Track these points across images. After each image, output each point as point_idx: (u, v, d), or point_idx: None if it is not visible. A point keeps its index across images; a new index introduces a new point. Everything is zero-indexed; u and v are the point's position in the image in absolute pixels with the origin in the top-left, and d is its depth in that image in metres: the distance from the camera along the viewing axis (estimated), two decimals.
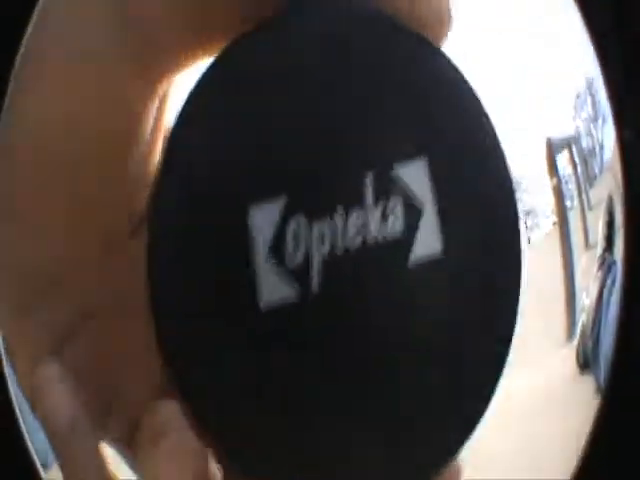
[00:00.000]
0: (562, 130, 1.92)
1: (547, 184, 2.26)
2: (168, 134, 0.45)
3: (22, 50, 0.51)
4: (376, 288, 0.43)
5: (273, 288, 0.40)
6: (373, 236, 0.42)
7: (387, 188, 0.41)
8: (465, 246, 0.45)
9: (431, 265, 0.45)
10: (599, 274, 1.07)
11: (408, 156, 0.43)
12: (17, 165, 0.50)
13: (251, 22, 0.42)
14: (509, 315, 0.48)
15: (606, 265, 1.07)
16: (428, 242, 0.44)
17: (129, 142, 0.45)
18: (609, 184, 0.86)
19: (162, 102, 0.49)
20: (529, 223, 2.34)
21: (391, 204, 0.43)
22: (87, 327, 0.51)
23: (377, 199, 0.42)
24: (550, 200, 2.27)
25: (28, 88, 0.47)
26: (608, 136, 0.86)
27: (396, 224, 0.43)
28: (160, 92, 0.48)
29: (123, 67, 0.44)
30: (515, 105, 1.97)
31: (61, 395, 0.50)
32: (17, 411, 0.65)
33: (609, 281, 0.99)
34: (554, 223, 2.16)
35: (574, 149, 1.71)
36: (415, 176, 0.43)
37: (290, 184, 0.40)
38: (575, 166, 1.70)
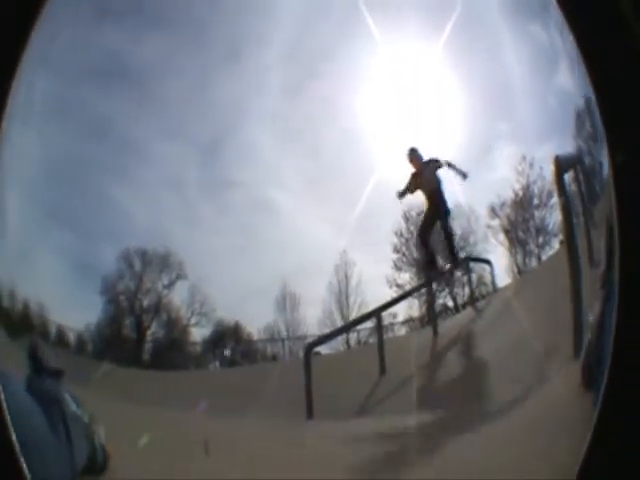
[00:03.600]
0: (567, 148, 2.00)
1: (555, 202, 2.34)
2: None
3: None
4: None
5: None
6: None
7: None
8: None
9: None
10: (601, 292, 1.13)
11: None
12: None
13: None
14: None
15: (607, 284, 1.13)
16: None
17: None
18: (609, 202, 0.92)
19: None
20: (539, 241, 2.43)
21: None
22: None
23: None
24: (557, 218, 2.35)
25: None
26: (605, 155, 0.92)
27: None
28: None
29: None
30: (522, 123, 2.04)
31: None
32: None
33: (610, 300, 1.05)
34: (561, 242, 2.25)
35: (578, 167, 1.79)
36: None
37: None
38: (579, 184, 1.78)
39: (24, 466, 0.86)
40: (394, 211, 3.04)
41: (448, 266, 3.22)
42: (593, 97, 0.85)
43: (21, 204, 2.24)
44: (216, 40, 2.53)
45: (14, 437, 0.95)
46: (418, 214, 3.16)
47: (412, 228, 3.17)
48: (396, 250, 3.16)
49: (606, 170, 0.90)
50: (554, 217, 2.54)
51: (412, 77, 2.38)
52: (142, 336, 2.97)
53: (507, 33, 2.19)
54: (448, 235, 3.19)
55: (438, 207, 3.13)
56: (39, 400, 1.58)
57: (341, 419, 2.67)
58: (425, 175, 3.03)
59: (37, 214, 2.41)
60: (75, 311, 2.58)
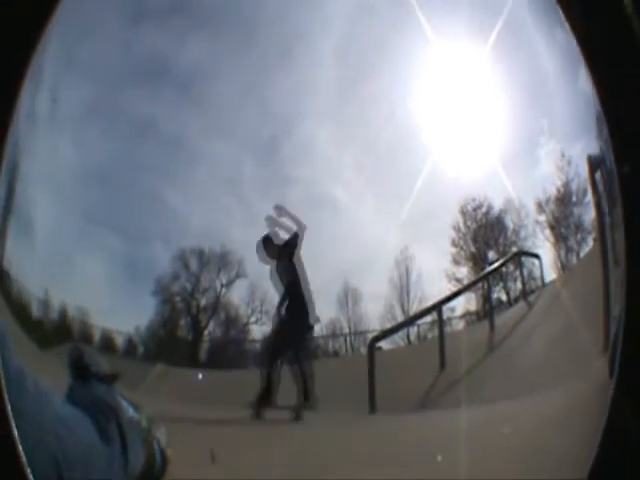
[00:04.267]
0: (593, 148, 2.04)
1: (589, 200, 2.36)
2: None
3: None
4: None
5: None
6: None
7: None
8: None
9: None
10: (623, 288, 1.17)
11: None
12: None
13: None
14: None
15: (626, 281, 1.17)
16: None
17: None
18: (623, 204, 0.95)
19: None
20: (578, 237, 2.47)
21: None
22: None
23: None
24: (590, 215, 2.37)
25: None
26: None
27: None
28: None
29: None
30: (559, 121, 2.09)
31: None
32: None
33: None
34: (594, 239, 2.29)
35: (603, 168, 1.83)
36: None
37: None
38: (605, 185, 1.82)
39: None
40: (451, 205, 3.05)
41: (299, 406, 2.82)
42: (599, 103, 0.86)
43: (63, 211, 2.29)
44: (266, 38, 2.57)
45: (20, 449, 0.99)
46: (474, 209, 3.16)
47: (469, 223, 3.17)
48: (454, 244, 3.17)
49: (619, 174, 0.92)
50: (588, 215, 2.56)
51: (463, 74, 2.40)
52: (199, 336, 2.99)
53: (539, 38, 2.21)
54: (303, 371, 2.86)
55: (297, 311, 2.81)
56: (88, 410, 1.57)
57: (404, 413, 2.70)
58: (283, 264, 2.82)
59: (84, 221, 2.46)
60: (124, 314, 2.62)
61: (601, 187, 1.95)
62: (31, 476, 0.93)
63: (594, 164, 1.93)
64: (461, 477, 1.85)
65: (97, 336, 2.52)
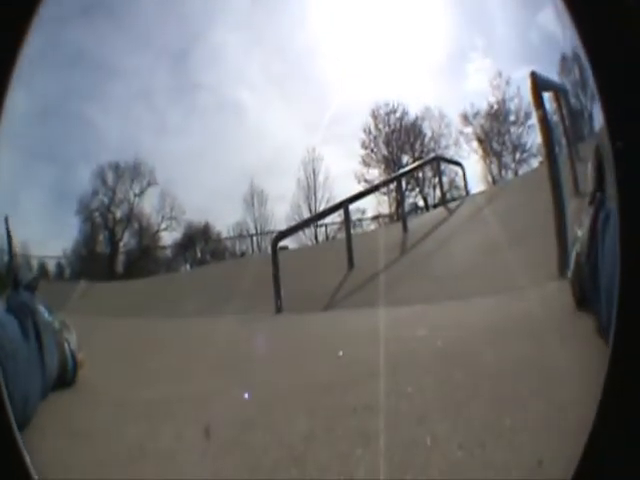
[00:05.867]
0: (548, 75, 2.08)
1: (533, 123, 2.45)
2: None
3: None
4: None
5: None
6: None
7: None
8: None
9: None
10: (590, 209, 1.20)
11: None
12: None
13: None
14: None
15: (598, 200, 1.20)
16: None
17: None
18: (597, 146, 0.99)
19: None
20: (516, 156, 2.58)
21: None
22: None
23: None
24: (536, 139, 2.46)
25: None
26: (598, 110, 0.98)
27: None
28: None
29: None
30: (499, 43, 2.16)
31: None
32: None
33: (602, 214, 1.12)
34: (541, 162, 2.37)
35: (562, 101, 1.89)
36: None
37: None
38: (563, 118, 1.88)
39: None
40: (362, 108, 3.07)
41: None
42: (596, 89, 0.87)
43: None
44: None
45: None
46: (387, 113, 3.19)
47: (381, 126, 3.20)
48: (364, 146, 3.20)
49: (596, 121, 0.94)
50: (532, 137, 2.65)
51: None
52: (115, 249, 3.00)
53: None
54: None
55: None
56: (15, 312, 1.65)
57: (310, 312, 2.73)
58: None
59: (21, 157, 2.41)
60: (56, 239, 2.62)
61: (556, 117, 2.00)
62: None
63: (540, 82, 1.96)
64: (377, 371, 1.90)
65: (36, 265, 2.53)
